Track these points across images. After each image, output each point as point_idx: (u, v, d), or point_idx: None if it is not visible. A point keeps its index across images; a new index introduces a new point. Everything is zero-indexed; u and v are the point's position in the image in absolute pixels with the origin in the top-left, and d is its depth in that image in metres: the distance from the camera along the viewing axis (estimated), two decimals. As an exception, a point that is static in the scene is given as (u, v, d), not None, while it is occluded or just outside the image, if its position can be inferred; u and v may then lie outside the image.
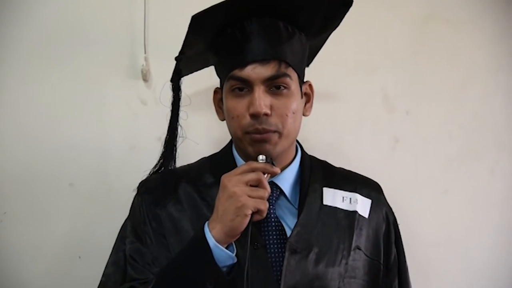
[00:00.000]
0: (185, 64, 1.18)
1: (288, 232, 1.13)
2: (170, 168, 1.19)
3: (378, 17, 1.62)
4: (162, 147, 1.20)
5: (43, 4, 1.47)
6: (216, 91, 1.21)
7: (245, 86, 1.09)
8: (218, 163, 1.21)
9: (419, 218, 1.60)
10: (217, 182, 1.05)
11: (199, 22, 1.08)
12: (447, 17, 1.65)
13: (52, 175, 1.46)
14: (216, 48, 1.15)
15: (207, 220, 1.04)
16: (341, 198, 1.20)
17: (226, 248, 1.01)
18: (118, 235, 1.19)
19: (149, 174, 1.23)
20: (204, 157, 1.28)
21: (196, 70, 1.30)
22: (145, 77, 1.50)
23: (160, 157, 1.20)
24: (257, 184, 1.02)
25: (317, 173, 1.22)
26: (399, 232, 1.27)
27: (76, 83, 1.47)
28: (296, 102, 1.12)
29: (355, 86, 1.61)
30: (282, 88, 1.10)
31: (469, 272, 1.65)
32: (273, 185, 1.15)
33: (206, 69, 1.29)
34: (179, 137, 1.19)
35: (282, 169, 1.17)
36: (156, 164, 1.21)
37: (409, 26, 1.64)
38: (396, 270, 1.24)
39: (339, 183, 1.23)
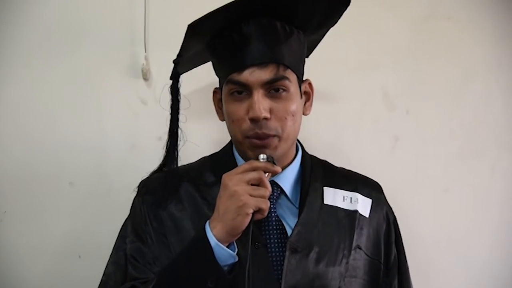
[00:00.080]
0: (183, 63, 1.18)
1: (289, 231, 1.13)
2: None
3: (378, 16, 1.61)
4: (163, 150, 1.21)
5: (43, 4, 1.47)
6: (215, 92, 1.21)
7: (244, 90, 1.09)
8: (219, 163, 1.21)
9: (419, 217, 1.60)
10: (218, 181, 1.05)
11: (195, 29, 1.08)
12: (448, 16, 1.65)
13: (52, 174, 1.46)
14: (214, 50, 1.14)
15: (208, 219, 1.04)
16: (342, 197, 1.20)
17: (227, 247, 1.01)
18: (118, 234, 1.19)
19: (150, 174, 1.23)
20: (205, 157, 1.28)
21: (195, 67, 1.30)
22: (145, 76, 1.50)
23: (162, 160, 1.21)
24: (258, 183, 1.02)
25: (318, 173, 1.22)
26: (399, 232, 1.27)
27: (76, 82, 1.47)
28: (296, 104, 1.12)
29: (355, 85, 1.61)
30: (281, 91, 1.09)
31: (469, 271, 1.65)
32: (274, 184, 1.15)
33: (205, 69, 1.28)
34: (180, 140, 1.19)
35: (283, 168, 1.17)
36: (158, 167, 1.22)
37: (410, 25, 1.63)
38: (396, 269, 1.24)
39: (340, 182, 1.23)
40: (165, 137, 1.21)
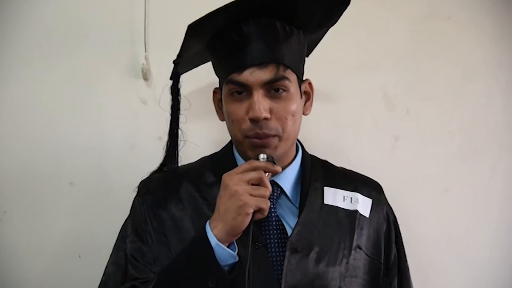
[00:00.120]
0: (183, 63, 1.18)
1: (289, 231, 1.13)
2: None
3: (378, 16, 1.61)
4: (163, 151, 1.20)
5: (43, 4, 1.47)
6: (215, 91, 1.21)
7: (244, 90, 1.09)
8: (219, 162, 1.21)
9: (419, 217, 1.60)
10: (218, 181, 1.05)
11: (195, 29, 1.08)
12: (448, 16, 1.65)
13: (52, 174, 1.46)
14: (213, 50, 1.14)
15: (208, 219, 1.04)
16: (342, 197, 1.20)
17: (228, 247, 1.01)
18: (118, 234, 1.19)
19: (150, 174, 1.23)
20: (205, 157, 1.27)
21: (195, 67, 1.30)
22: (146, 76, 1.50)
23: (163, 161, 1.21)
24: (259, 183, 1.02)
25: (318, 172, 1.22)
26: (400, 232, 1.27)
27: (76, 82, 1.47)
28: (296, 104, 1.12)
29: (355, 84, 1.61)
30: (281, 91, 1.09)
31: (469, 271, 1.65)
32: (274, 184, 1.15)
33: (205, 69, 1.28)
34: (180, 140, 1.19)
35: (283, 168, 1.17)
36: (158, 167, 1.22)
37: (410, 25, 1.63)
38: (396, 269, 1.24)
39: (340, 182, 1.23)
40: (165, 137, 1.21)
